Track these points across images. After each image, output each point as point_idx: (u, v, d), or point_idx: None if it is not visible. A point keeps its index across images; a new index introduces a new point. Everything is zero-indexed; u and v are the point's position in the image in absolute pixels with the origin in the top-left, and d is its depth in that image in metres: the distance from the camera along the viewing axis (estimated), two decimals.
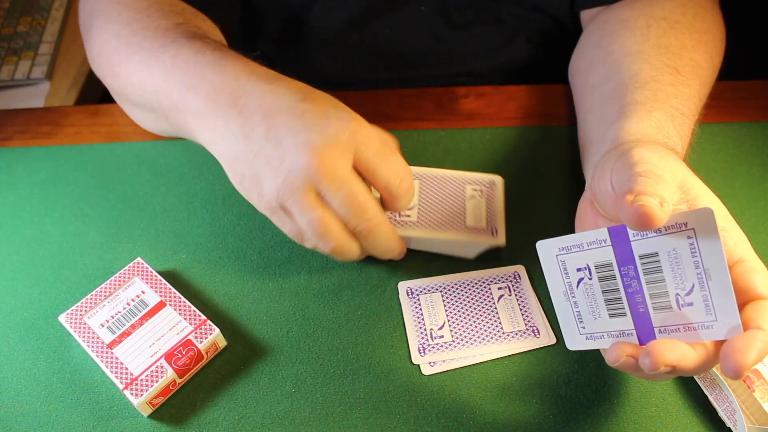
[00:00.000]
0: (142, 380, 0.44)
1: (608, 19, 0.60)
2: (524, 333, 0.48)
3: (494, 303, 0.50)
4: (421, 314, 0.49)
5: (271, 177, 0.43)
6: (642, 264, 0.37)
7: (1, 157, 0.61)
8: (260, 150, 0.44)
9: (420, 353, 0.47)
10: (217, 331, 0.47)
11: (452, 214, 0.51)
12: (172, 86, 0.49)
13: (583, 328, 0.40)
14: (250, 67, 0.47)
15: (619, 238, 0.37)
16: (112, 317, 0.47)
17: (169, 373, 0.44)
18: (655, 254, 0.36)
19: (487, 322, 0.49)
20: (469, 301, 0.50)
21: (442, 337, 0.48)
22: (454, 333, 0.48)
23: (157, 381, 0.44)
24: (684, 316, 0.36)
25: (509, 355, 0.47)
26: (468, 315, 0.49)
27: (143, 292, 0.48)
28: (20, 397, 0.46)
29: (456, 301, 0.50)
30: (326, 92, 0.46)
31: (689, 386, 0.46)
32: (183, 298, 0.48)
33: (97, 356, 0.45)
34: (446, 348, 0.48)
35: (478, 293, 0.50)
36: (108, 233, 0.55)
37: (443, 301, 0.50)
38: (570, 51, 0.64)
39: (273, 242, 0.54)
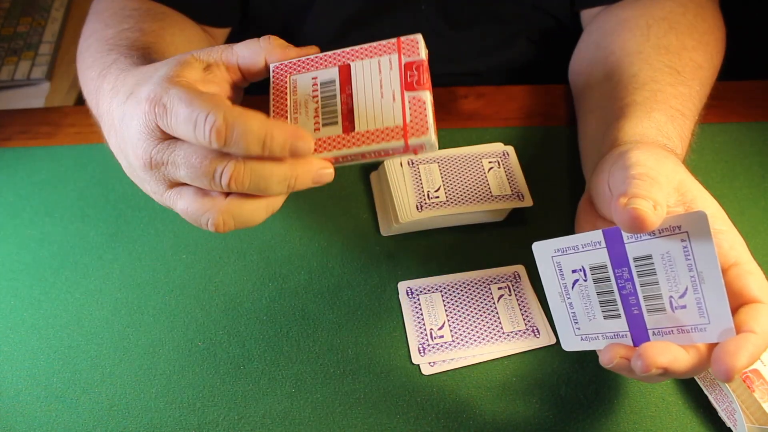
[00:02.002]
0: (411, 124, 0.37)
1: (609, 18, 0.60)
2: (524, 333, 0.48)
3: (494, 303, 0.50)
4: (421, 314, 0.49)
5: (129, 144, 0.39)
6: (636, 266, 0.37)
7: (1, 157, 0.61)
8: (116, 138, 0.42)
9: (420, 353, 0.47)
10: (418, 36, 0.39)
11: (477, 187, 0.53)
12: (90, 97, 0.49)
13: (579, 329, 0.40)
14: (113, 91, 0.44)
15: (613, 240, 0.37)
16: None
17: (425, 96, 0.38)
18: (649, 257, 0.36)
19: (487, 322, 0.49)
20: (469, 301, 0.50)
21: (442, 337, 0.48)
22: (454, 333, 0.48)
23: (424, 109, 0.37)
24: (677, 318, 0.36)
25: (509, 355, 0.47)
26: (468, 315, 0.49)
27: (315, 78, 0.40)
28: (20, 397, 0.46)
29: (456, 301, 0.50)
30: None
31: (689, 386, 0.46)
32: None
33: None
34: (446, 348, 0.47)
35: (478, 293, 0.50)
36: (108, 233, 0.55)
37: (443, 301, 0.50)
38: (570, 51, 0.64)
39: (273, 242, 0.54)
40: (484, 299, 0.50)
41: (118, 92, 0.42)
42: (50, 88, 0.84)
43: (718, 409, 0.44)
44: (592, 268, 0.39)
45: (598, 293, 0.39)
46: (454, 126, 0.62)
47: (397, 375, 0.47)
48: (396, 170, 0.53)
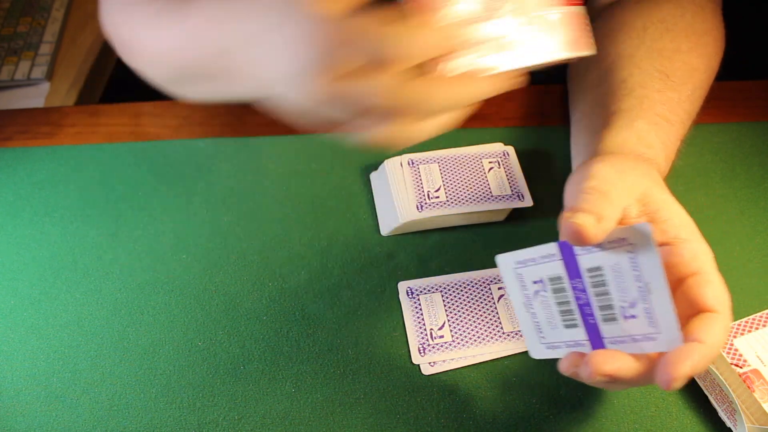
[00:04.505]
0: None
1: (607, 20, 0.60)
2: None
3: (494, 303, 0.50)
4: (421, 314, 0.49)
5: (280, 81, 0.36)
6: (589, 277, 0.38)
7: (1, 157, 0.61)
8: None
9: (420, 353, 0.47)
10: None
11: (478, 188, 0.53)
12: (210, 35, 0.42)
13: (543, 337, 0.41)
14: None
15: (567, 252, 0.38)
16: None
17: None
18: (600, 268, 0.37)
19: (487, 322, 0.49)
20: (469, 301, 0.50)
21: (442, 337, 0.48)
22: (454, 333, 0.48)
23: None
24: (629, 328, 0.37)
25: (509, 355, 0.47)
26: (468, 315, 0.49)
27: None
28: (20, 397, 0.46)
29: (456, 301, 0.50)
30: None
31: (689, 386, 0.46)
32: None
33: None
34: (446, 348, 0.47)
35: (478, 293, 0.50)
36: (108, 233, 0.55)
37: (443, 301, 0.50)
38: None
39: (273, 242, 0.54)
40: (484, 299, 0.50)
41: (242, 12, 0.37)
42: (50, 88, 0.84)
43: (718, 409, 0.44)
44: (550, 279, 0.39)
45: (557, 303, 0.40)
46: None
47: (397, 375, 0.47)
48: (396, 170, 0.53)
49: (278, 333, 0.49)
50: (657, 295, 0.35)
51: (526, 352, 0.47)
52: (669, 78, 0.51)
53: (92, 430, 0.45)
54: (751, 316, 0.46)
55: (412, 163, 0.54)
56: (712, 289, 0.36)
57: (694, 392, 0.45)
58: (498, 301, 0.50)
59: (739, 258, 0.52)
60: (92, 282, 0.52)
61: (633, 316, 0.36)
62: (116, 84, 0.94)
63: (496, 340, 0.48)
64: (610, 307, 0.37)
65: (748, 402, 0.43)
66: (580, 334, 0.39)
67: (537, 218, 0.55)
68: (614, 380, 0.36)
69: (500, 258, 0.41)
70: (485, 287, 0.51)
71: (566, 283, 0.39)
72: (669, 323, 0.35)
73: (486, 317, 0.49)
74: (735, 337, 0.45)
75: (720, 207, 0.55)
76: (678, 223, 0.39)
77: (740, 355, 0.44)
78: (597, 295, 0.38)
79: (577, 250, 0.38)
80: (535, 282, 0.40)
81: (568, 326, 0.40)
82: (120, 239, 0.54)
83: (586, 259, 0.37)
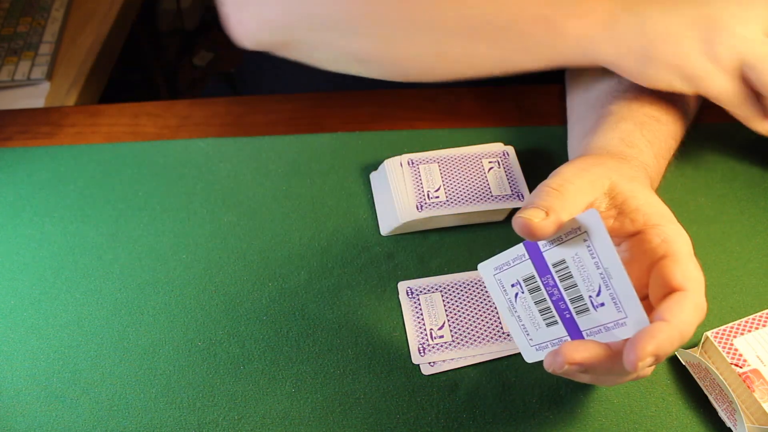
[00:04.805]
0: None
1: None
2: None
3: (494, 303, 0.50)
4: (421, 314, 0.49)
5: None
6: (556, 272, 0.38)
7: (1, 157, 0.61)
8: None
9: (420, 353, 0.47)
10: None
11: (477, 187, 0.53)
12: None
13: (531, 339, 0.41)
14: None
15: (533, 251, 0.39)
16: None
17: None
18: (563, 261, 0.38)
19: (487, 322, 0.49)
20: (469, 301, 0.50)
21: (442, 337, 0.48)
22: (454, 333, 0.48)
23: None
24: (600, 317, 0.37)
25: (509, 355, 0.47)
26: (468, 315, 0.49)
27: None
28: (20, 397, 0.46)
29: (456, 301, 0.50)
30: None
31: (689, 386, 0.46)
32: None
33: None
34: (446, 348, 0.48)
35: (478, 293, 0.50)
36: (108, 233, 0.55)
37: (443, 301, 0.50)
38: None
39: (273, 242, 0.54)
40: (484, 299, 0.50)
41: None
42: (50, 88, 0.84)
43: (718, 409, 0.44)
44: (524, 280, 0.40)
45: (535, 303, 0.40)
46: (454, 126, 0.62)
47: (397, 375, 0.47)
48: (396, 170, 0.53)
49: (278, 333, 0.49)
50: (616, 279, 0.35)
51: None
52: None
53: (92, 430, 0.45)
54: (751, 316, 0.46)
55: (412, 163, 0.54)
56: (681, 267, 0.36)
57: (694, 392, 0.45)
58: None
59: (739, 258, 0.52)
60: (92, 282, 0.52)
61: (602, 304, 0.37)
62: (116, 84, 0.94)
63: (496, 340, 0.48)
64: (580, 298, 0.38)
65: (748, 402, 0.43)
66: (560, 330, 0.39)
67: None
68: (588, 369, 0.36)
69: (481, 266, 0.42)
70: (485, 287, 0.51)
71: (539, 282, 0.39)
72: (632, 306, 0.35)
73: (486, 317, 0.49)
74: (735, 337, 0.45)
75: (720, 207, 0.55)
76: (648, 211, 0.39)
77: (740, 355, 0.44)
78: (566, 288, 0.38)
79: (541, 246, 0.38)
80: (512, 285, 0.41)
81: (549, 324, 0.40)
82: (120, 239, 0.54)
83: (550, 254, 0.38)
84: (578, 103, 0.56)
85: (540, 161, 0.58)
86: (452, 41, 0.48)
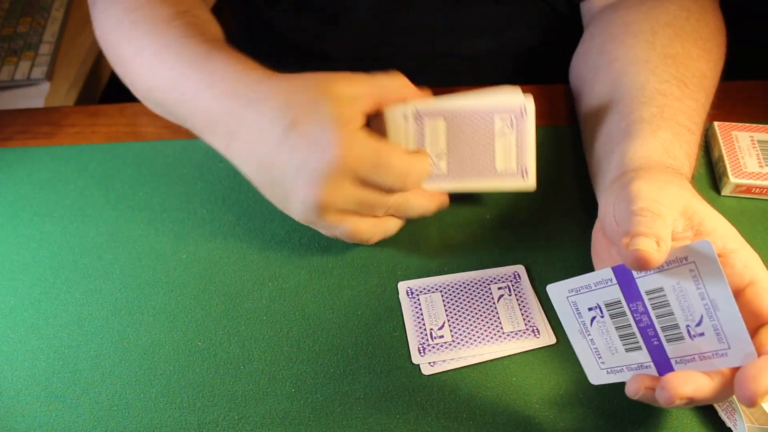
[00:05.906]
0: None
1: (611, 21, 0.59)
2: (524, 333, 0.48)
3: (494, 303, 0.50)
4: (421, 314, 0.49)
5: (292, 205, 0.46)
6: (649, 299, 0.37)
7: (1, 157, 0.61)
8: (272, 184, 0.47)
9: (420, 353, 0.47)
10: None
11: (481, 159, 0.49)
12: (181, 89, 0.49)
13: (603, 363, 0.41)
14: (243, 82, 0.47)
15: (623, 276, 0.38)
16: None
17: None
18: (661, 289, 0.37)
19: (487, 322, 0.49)
20: (469, 301, 0.50)
21: (442, 337, 0.48)
22: (454, 333, 0.48)
23: None
24: (698, 346, 0.36)
25: (509, 355, 0.47)
26: (468, 315, 0.49)
27: None
28: (20, 397, 0.46)
29: (456, 301, 0.50)
30: (329, 69, 0.46)
31: None
32: None
33: None
34: (446, 348, 0.48)
35: (478, 293, 0.50)
36: (108, 233, 0.55)
37: (443, 301, 0.50)
38: (570, 47, 0.63)
39: (273, 242, 0.54)
40: (484, 299, 0.50)
41: (252, 103, 0.45)
42: (50, 88, 0.84)
43: (718, 409, 0.44)
44: (607, 305, 0.39)
45: (617, 328, 0.39)
46: None
47: (397, 375, 0.47)
48: (399, 124, 0.49)
49: (278, 333, 0.49)
50: (725, 311, 0.35)
51: (526, 352, 0.47)
52: (686, 86, 0.51)
53: (92, 430, 0.45)
54: None
55: (419, 117, 0.49)
56: None
57: None
58: (498, 301, 0.50)
59: None
60: (92, 282, 0.52)
61: (701, 334, 0.36)
62: (116, 84, 0.94)
63: (496, 340, 0.48)
64: (675, 327, 0.37)
65: None
66: (643, 356, 0.39)
67: (538, 218, 0.55)
68: (692, 401, 0.35)
69: (551, 288, 0.41)
70: (485, 287, 0.51)
71: (625, 307, 0.38)
72: (740, 338, 0.35)
73: (486, 317, 0.49)
74: None
75: (720, 207, 0.55)
76: (723, 234, 0.39)
77: None
78: (659, 316, 0.37)
79: (635, 273, 0.37)
80: (590, 309, 0.40)
81: (629, 350, 0.39)
82: (120, 239, 0.54)
83: (645, 281, 0.37)
84: (597, 105, 0.54)
85: (541, 161, 0.58)
86: None
